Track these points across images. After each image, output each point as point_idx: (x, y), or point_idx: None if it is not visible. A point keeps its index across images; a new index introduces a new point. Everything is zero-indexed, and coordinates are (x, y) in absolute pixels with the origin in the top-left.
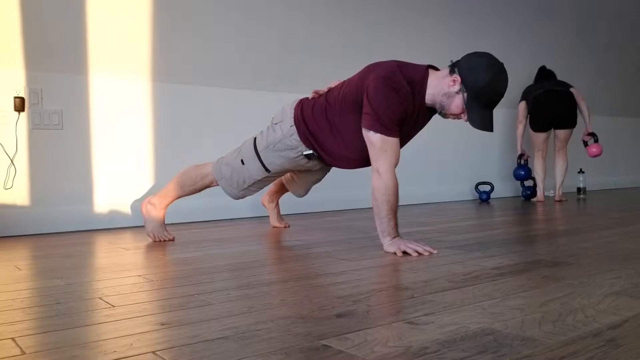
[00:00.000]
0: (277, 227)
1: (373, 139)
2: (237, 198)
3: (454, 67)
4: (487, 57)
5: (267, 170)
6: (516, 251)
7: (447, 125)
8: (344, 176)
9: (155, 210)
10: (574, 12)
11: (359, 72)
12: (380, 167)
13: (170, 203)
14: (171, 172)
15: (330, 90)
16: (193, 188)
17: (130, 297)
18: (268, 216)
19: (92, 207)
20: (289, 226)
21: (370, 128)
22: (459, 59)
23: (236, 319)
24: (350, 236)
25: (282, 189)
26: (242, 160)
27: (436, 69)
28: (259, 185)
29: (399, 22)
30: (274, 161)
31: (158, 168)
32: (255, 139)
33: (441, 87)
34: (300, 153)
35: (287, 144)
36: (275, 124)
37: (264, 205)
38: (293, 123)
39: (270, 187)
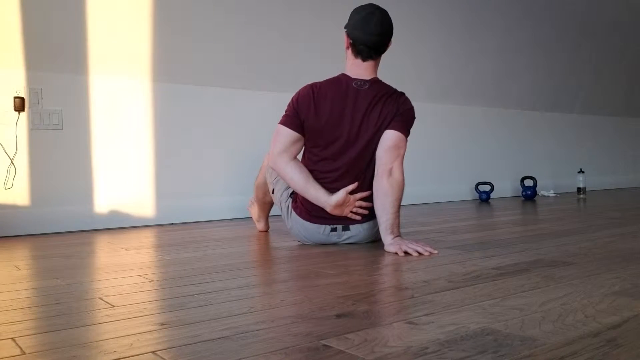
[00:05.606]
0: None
1: (403, 144)
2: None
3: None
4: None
5: None
6: (516, 251)
7: (447, 125)
8: None
9: None
10: (575, 11)
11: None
12: (398, 166)
13: None
14: (171, 172)
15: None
16: None
17: (130, 297)
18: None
19: (92, 207)
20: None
21: (406, 136)
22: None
23: (236, 319)
24: None
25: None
26: None
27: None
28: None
29: (402, 21)
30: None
31: (158, 168)
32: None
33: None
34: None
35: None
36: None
37: None
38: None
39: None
